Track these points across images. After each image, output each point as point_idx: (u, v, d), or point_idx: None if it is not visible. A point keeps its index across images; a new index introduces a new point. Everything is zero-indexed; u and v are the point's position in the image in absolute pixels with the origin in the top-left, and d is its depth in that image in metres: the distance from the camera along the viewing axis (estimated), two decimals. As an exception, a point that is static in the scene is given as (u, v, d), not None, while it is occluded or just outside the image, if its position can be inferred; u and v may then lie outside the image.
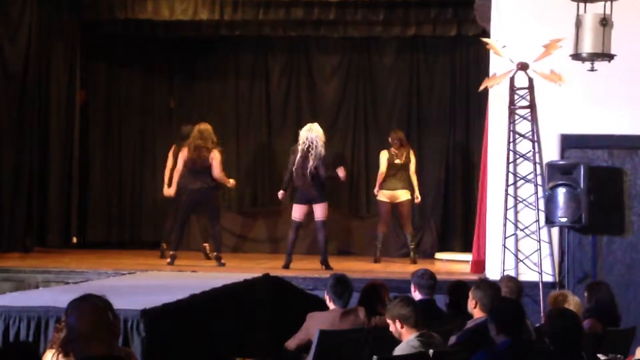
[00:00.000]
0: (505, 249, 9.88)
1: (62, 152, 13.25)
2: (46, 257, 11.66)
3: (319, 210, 11.07)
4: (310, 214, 11.18)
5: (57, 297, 6.30)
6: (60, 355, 4.73)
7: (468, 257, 11.42)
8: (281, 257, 11.35)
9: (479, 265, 10.49)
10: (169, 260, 11.12)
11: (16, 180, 12.20)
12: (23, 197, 12.30)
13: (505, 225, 9.91)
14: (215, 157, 11.26)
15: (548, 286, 9.51)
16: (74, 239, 13.47)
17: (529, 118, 9.98)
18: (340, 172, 11.10)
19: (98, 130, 14.33)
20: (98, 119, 14.34)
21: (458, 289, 7.21)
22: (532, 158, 9.99)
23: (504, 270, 9.65)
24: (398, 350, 5.69)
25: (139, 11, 13.08)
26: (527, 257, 9.89)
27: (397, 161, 12.15)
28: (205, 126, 11.47)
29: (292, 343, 6.92)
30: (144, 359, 5.53)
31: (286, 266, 10.94)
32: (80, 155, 13.72)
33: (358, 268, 11.30)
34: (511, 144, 10.01)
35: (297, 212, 11.18)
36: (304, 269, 10.81)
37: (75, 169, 13.56)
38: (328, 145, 14.15)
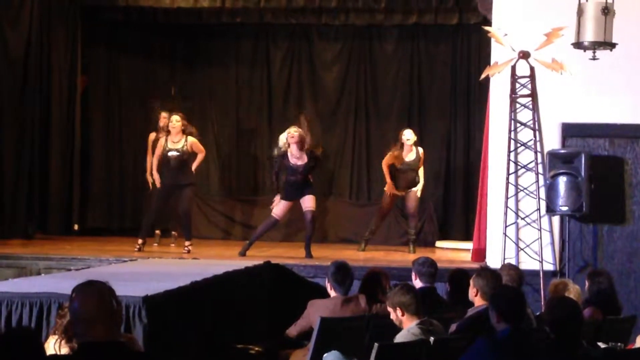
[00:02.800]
0: (506, 238, 9.88)
1: (64, 139, 13.26)
2: (48, 244, 11.67)
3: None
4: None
5: (59, 283, 6.32)
6: (63, 342, 4.74)
7: (469, 245, 11.43)
8: (282, 244, 11.33)
9: (479, 253, 10.50)
10: None
11: (18, 167, 12.20)
12: (24, 184, 12.30)
13: (506, 213, 9.92)
14: None
15: (549, 275, 9.53)
16: (76, 226, 13.49)
17: (530, 107, 9.98)
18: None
19: (99, 116, 14.32)
20: (99, 105, 14.32)
21: (459, 277, 7.21)
22: (533, 147, 9.99)
23: (504, 259, 9.65)
24: (399, 338, 5.70)
25: (140, -2, 13.11)
26: (527, 246, 9.90)
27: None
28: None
29: (293, 330, 6.94)
30: (146, 345, 5.54)
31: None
32: (81, 141, 13.73)
33: (359, 256, 11.31)
34: (512, 133, 10.01)
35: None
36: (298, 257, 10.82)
37: (77, 155, 13.57)
38: (330, 132, 14.26)
